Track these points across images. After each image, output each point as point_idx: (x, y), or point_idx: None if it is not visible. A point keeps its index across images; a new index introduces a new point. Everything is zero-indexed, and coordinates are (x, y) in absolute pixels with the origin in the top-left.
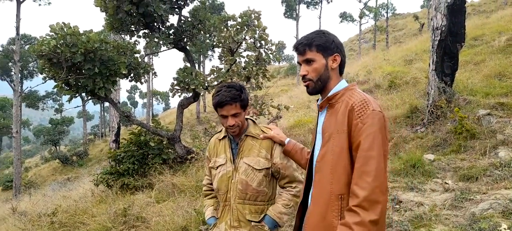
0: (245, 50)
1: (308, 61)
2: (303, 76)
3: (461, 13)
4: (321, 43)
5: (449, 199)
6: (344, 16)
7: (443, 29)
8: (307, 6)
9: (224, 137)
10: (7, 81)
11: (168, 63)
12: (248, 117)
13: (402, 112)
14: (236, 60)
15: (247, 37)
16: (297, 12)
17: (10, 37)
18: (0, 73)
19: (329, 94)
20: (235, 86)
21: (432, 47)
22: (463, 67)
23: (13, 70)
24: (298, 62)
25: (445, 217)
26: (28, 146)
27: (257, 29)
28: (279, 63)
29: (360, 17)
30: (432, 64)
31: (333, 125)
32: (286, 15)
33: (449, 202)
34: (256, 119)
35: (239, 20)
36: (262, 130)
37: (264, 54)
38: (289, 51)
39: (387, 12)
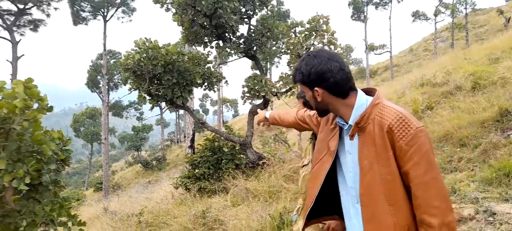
0: None
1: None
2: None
3: None
4: (300, 80)
5: None
6: (417, 15)
7: None
8: (376, 7)
9: (310, 138)
10: (96, 92)
11: (236, 72)
12: None
13: (490, 115)
14: None
15: (315, 43)
16: (365, 14)
17: (98, 53)
18: (90, 86)
19: (355, 120)
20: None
21: None
22: None
23: (101, 82)
24: None
25: None
26: (114, 151)
27: (325, 34)
28: None
29: (435, 15)
30: None
31: (373, 151)
32: (353, 18)
33: None
34: None
35: (308, 26)
36: None
37: None
38: (356, 54)
39: (465, 8)
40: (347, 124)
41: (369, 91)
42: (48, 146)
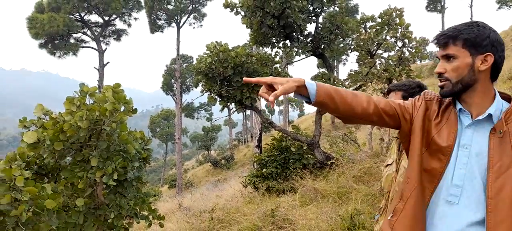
0: (385, 51)
1: (448, 57)
2: (440, 74)
3: None
4: (470, 37)
5: None
6: (504, 2)
7: None
8: None
9: (396, 137)
10: (170, 95)
11: (302, 71)
12: None
13: None
14: (375, 62)
15: (387, 37)
16: (442, 3)
17: (172, 58)
18: (165, 89)
19: (503, 112)
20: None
21: None
22: None
23: (174, 86)
24: (436, 57)
25: None
26: (186, 150)
27: (399, 27)
28: (421, 61)
29: None
30: None
31: (510, 153)
32: (428, 9)
33: None
34: None
35: (379, 20)
36: None
37: (407, 53)
38: (432, 48)
39: None
40: (481, 115)
41: (501, 94)
42: (132, 145)
